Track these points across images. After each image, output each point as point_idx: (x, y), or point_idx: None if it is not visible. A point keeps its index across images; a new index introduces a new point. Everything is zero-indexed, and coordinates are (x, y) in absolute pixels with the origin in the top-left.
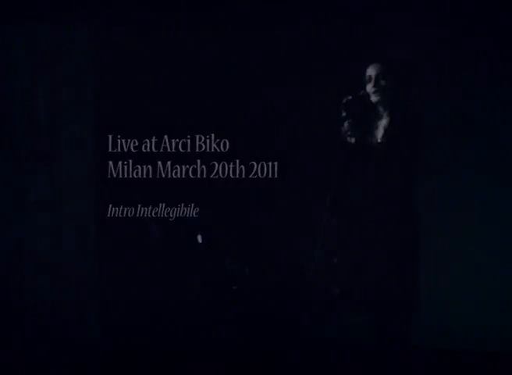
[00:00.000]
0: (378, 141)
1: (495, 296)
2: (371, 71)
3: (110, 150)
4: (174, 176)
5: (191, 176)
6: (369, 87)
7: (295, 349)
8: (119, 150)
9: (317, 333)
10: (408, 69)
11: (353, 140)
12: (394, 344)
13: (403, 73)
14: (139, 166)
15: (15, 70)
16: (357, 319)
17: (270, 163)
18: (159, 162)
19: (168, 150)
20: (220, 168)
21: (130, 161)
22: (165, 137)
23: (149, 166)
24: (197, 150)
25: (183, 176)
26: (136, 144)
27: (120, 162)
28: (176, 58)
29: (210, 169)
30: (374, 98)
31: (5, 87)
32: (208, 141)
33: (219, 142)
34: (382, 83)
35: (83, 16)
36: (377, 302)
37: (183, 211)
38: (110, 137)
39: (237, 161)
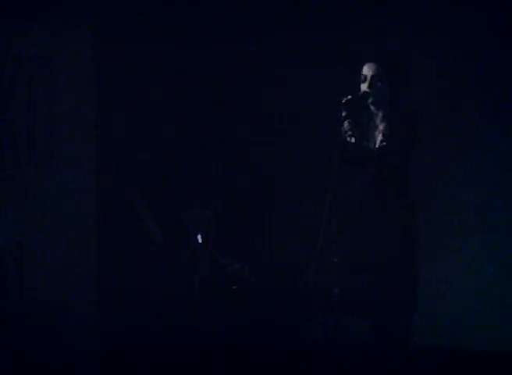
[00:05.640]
0: (378, 141)
1: (495, 296)
2: (366, 71)
3: (111, 150)
4: (175, 177)
5: (192, 177)
6: (364, 88)
7: (294, 350)
8: (120, 150)
9: (317, 333)
10: (404, 70)
11: (353, 140)
12: (394, 345)
13: (398, 73)
14: (140, 166)
15: (15, 70)
16: (357, 319)
17: (270, 163)
18: (160, 163)
19: (169, 150)
20: (220, 168)
21: (131, 161)
22: (167, 137)
23: (149, 167)
24: (198, 150)
25: (184, 176)
26: (137, 144)
27: (121, 163)
28: (177, 60)
29: (210, 169)
30: (370, 99)
31: (5, 87)
32: (208, 140)
33: (219, 142)
34: (378, 84)
35: (84, 15)
36: (377, 303)
37: (184, 211)
38: (111, 137)
39: (237, 161)
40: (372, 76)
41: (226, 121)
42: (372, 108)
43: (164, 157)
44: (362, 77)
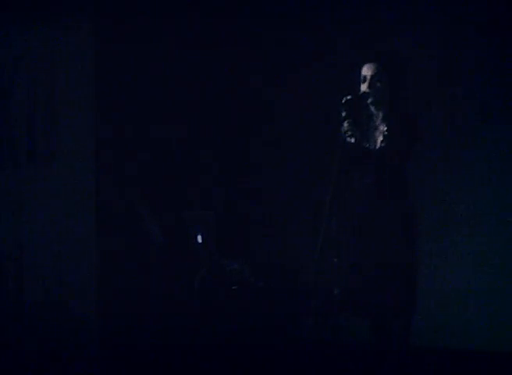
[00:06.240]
0: (378, 141)
1: (495, 296)
2: (365, 71)
3: (111, 150)
4: (175, 177)
5: (192, 177)
6: (364, 88)
7: (295, 350)
8: (120, 150)
9: (317, 334)
10: (404, 70)
11: (353, 140)
12: (394, 345)
13: (398, 73)
14: (140, 166)
15: (15, 70)
16: (357, 319)
17: (270, 163)
18: (160, 163)
19: (169, 150)
20: (220, 168)
21: (131, 161)
22: (165, 136)
23: (149, 167)
24: (198, 150)
25: (184, 176)
26: (137, 144)
27: (121, 163)
28: (177, 59)
29: (210, 169)
30: (369, 99)
31: (5, 87)
32: (208, 141)
33: (218, 142)
34: (378, 84)
35: (84, 15)
36: (377, 303)
37: (184, 211)
38: (111, 137)
39: (237, 161)
40: (372, 77)
41: (227, 121)
42: (372, 108)
43: (164, 157)
44: (362, 78)
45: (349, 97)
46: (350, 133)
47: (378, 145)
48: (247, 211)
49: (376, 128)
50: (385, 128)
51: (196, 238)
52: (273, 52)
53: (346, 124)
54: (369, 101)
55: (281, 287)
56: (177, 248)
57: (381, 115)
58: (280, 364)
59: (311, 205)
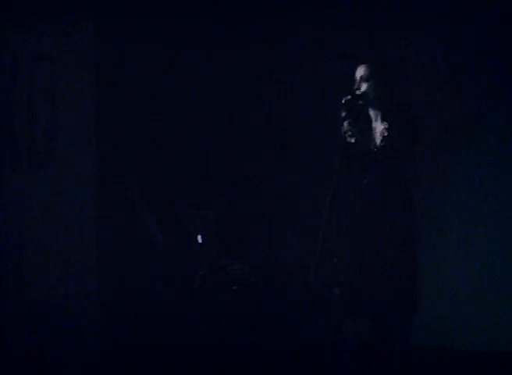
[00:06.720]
0: (377, 140)
1: (495, 297)
2: (360, 72)
3: (111, 150)
4: (175, 177)
5: (192, 177)
6: (362, 89)
7: (294, 350)
8: (120, 150)
9: (317, 334)
10: (398, 69)
11: (353, 140)
12: (394, 345)
13: (393, 73)
14: (140, 166)
15: (14, 70)
16: (357, 319)
17: (270, 163)
18: (160, 163)
19: (170, 150)
20: (221, 168)
21: (131, 161)
22: (165, 136)
23: (150, 167)
24: (197, 150)
25: (185, 176)
26: (138, 144)
27: (121, 163)
28: (177, 59)
29: (210, 169)
30: (366, 100)
31: (5, 87)
32: (207, 140)
33: (218, 142)
34: (369, 85)
35: (84, 15)
36: (377, 303)
37: (184, 211)
38: (110, 137)
39: (237, 161)
40: (362, 78)
41: (227, 121)
42: (372, 108)
43: (164, 157)
44: (357, 79)
45: (349, 97)
46: (350, 133)
47: (378, 145)
48: (247, 211)
49: (376, 128)
50: (385, 128)
51: (196, 238)
52: (273, 52)
53: (346, 124)
54: (366, 101)
55: (281, 287)
56: (177, 248)
57: (380, 115)
58: (280, 364)
59: (311, 204)
